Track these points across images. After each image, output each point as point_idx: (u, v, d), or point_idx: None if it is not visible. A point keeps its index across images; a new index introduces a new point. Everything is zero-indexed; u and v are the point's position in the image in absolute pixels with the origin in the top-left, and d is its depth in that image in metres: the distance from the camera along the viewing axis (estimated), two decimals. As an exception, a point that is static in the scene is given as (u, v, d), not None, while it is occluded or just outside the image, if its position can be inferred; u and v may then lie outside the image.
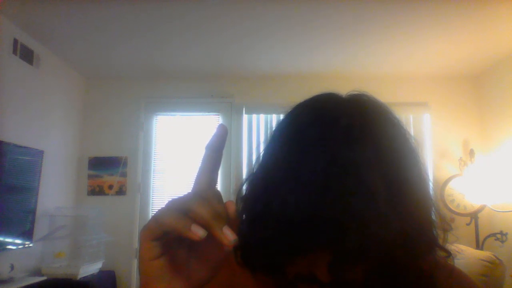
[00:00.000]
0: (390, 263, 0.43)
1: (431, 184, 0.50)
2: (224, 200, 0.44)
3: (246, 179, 0.53)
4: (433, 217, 0.49)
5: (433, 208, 0.49)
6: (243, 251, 0.50)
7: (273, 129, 0.53)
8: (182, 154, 3.63)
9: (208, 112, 3.71)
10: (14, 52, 2.66)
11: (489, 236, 3.10)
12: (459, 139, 3.54)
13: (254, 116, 3.61)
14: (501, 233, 3.03)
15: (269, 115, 3.59)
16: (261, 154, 0.53)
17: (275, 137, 0.52)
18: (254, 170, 0.52)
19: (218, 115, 3.68)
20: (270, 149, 0.52)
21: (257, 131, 3.60)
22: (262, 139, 3.12)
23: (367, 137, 0.45)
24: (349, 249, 0.41)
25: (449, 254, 0.50)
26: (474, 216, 3.19)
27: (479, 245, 3.11)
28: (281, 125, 0.53)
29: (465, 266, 2.33)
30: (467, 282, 0.55)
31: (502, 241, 3.01)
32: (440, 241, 0.49)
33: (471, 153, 3.32)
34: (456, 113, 3.58)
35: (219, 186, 3.52)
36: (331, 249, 0.42)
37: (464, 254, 2.52)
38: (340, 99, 0.53)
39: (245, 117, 3.61)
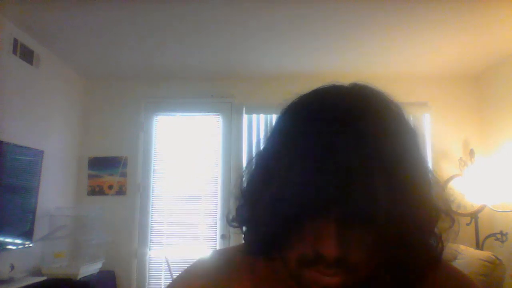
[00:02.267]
0: (395, 229, 0.43)
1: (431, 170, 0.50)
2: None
3: (247, 163, 0.54)
4: (433, 197, 0.49)
5: (432, 188, 0.49)
6: (246, 230, 0.52)
7: (273, 124, 0.53)
8: (182, 154, 3.63)
9: (208, 112, 3.71)
10: (14, 52, 2.66)
11: (489, 236, 3.10)
12: (459, 139, 3.53)
13: (254, 116, 3.61)
14: (501, 233, 3.03)
15: (269, 115, 3.59)
16: (262, 146, 0.54)
17: (275, 130, 0.53)
18: (254, 159, 0.54)
19: (218, 115, 3.68)
20: (271, 137, 0.52)
21: (257, 131, 3.60)
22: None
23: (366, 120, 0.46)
24: (354, 208, 0.41)
25: (453, 221, 0.50)
26: (474, 216, 3.19)
27: (479, 245, 3.11)
28: (281, 121, 0.53)
29: (465, 266, 2.33)
30: (467, 282, 0.55)
31: (502, 241, 3.01)
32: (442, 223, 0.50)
33: (471, 153, 3.32)
34: (456, 113, 3.58)
35: (219, 186, 3.53)
36: (336, 211, 0.43)
37: (464, 254, 2.52)
38: (341, 91, 0.52)
39: (245, 117, 3.61)
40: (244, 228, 0.54)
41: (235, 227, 0.54)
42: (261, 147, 0.53)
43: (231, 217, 0.55)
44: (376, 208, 0.41)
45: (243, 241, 0.55)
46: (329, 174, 0.42)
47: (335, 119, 0.45)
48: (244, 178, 0.54)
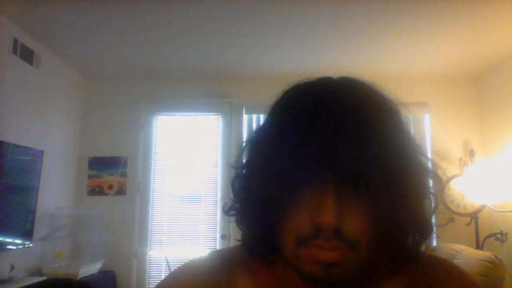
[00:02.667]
0: (389, 193, 0.44)
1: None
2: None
3: (245, 143, 0.56)
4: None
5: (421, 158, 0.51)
6: (241, 216, 0.54)
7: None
8: (182, 154, 3.63)
9: (208, 112, 3.71)
10: (14, 52, 2.66)
11: (489, 236, 3.09)
12: (459, 139, 3.53)
13: (254, 116, 3.61)
14: (501, 233, 3.03)
15: (269, 115, 3.59)
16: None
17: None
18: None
19: (218, 115, 3.68)
20: (266, 119, 0.56)
21: (257, 131, 3.60)
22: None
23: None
24: (346, 161, 0.42)
25: (440, 178, 0.52)
26: (474, 216, 3.18)
27: (479, 245, 3.11)
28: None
29: (465, 266, 2.33)
30: (467, 280, 0.55)
31: (502, 241, 3.01)
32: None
33: (471, 153, 3.32)
34: (456, 113, 3.58)
35: (219, 186, 3.53)
36: (330, 173, 0.44)
37: (464, 254, 2.52)
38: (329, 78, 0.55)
39: (245, 117, 3.61)
40: (239, 216, 0.54)
41: (232, 215, 0.55)
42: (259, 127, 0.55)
43: (227, 208, 0.56)
44: (369, 165, 0.43)
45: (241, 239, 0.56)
46: (322, 135, 0.44)
47: (324, 97, 0.47)
48: (243, 154, 0.55)
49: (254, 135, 0.55)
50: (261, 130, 0.53)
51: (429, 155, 0.54)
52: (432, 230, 0.50)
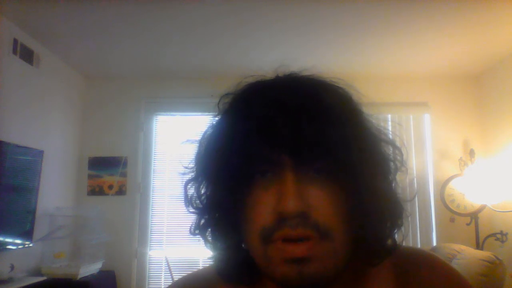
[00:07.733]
0: (354, 171, 0.41)
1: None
2: None
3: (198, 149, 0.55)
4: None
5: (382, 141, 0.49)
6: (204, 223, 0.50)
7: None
8: (182, 154, 3.63)
9: (208, 112, 3.70)
10: (14, 52, 2.66)
11: (489, 236, 3.10)
12: (459, 139, 3.53)
13: (254, 116, 3.61)
14: (501, 233, 3.03)
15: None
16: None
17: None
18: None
19: (218, 115, 3.67)
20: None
21: (257, 131, 3.59)
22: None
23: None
24: (306, 137, 0.41)
25: (404, 166, 0.49)
26: (474, 216, 3.18)
27: (479, 245, 3.11)
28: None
29: (465, 266, 2.33)
30: (452, 272, 0.51)
31: (502, 241, 3.01)
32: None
33: (471, 153, 3.32)
34: (456, 113, 3.58)
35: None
36: (288, 155, 0.41)
37: (464, 254, 2.52)
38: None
39: (245, 117, 3.60)
40: (204, 231, 0.50)
41: (197, 234, 0.50)
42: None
43: (193, 227, 0.51)
44: (329, 142, 0.41)
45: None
46: (275, 120, 0.42)
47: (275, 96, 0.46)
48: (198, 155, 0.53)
49: (208, 134, 0.53)
50: (216, 128, 0.53)
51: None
52: (402, 214, 0.47)
